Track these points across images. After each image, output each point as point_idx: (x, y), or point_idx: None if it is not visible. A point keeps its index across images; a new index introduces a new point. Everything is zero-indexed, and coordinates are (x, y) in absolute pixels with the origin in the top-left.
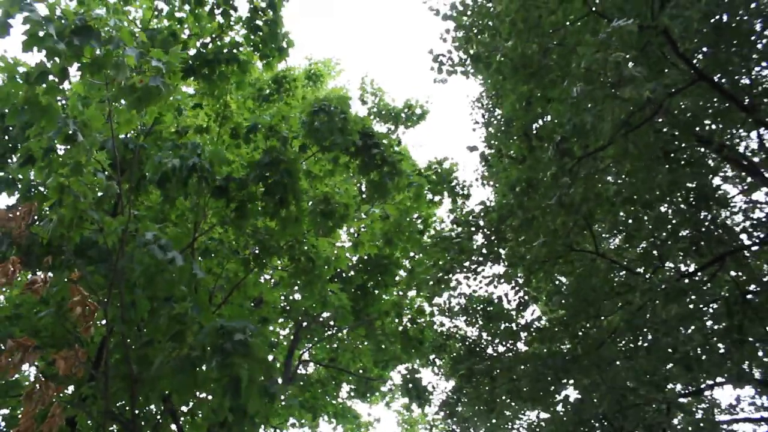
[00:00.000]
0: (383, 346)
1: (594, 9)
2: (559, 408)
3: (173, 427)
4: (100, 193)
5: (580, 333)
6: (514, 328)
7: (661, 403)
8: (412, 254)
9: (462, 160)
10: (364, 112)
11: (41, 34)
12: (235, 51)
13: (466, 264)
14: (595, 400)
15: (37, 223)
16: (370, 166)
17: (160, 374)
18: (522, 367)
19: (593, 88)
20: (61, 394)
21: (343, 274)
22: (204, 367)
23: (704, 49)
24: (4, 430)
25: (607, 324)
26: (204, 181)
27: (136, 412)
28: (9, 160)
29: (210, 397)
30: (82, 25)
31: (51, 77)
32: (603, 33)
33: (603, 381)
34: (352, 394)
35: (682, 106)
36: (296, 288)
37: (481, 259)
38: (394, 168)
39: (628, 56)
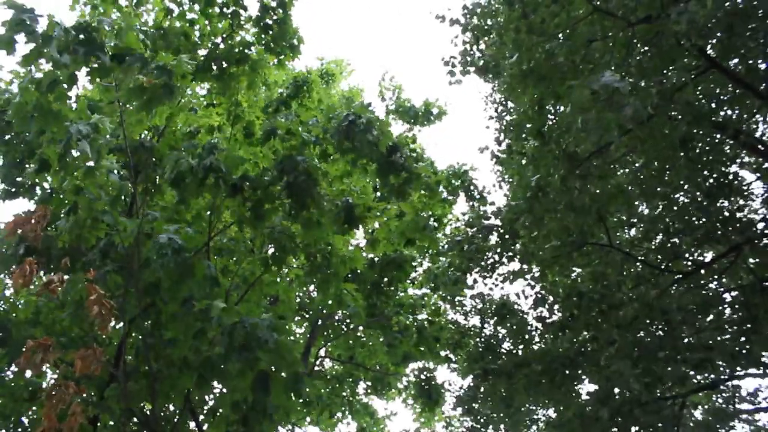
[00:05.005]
0: (396, 343)
1: (598, 6)
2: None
3: (192, 425)
4: (114, 195)
5: (593, 325)
6: (529, 325)
7: (675, 398)
8: (428, 252)
9: (478, 164)
10: (382, 109)
11: (45, 50)
12: (246, 51)
13: (482, 263)
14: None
15: (52, 226)
16: (390, 171)
17: (181, 372)
18: (538, 363)
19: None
20: (84, 394)
21: (358, 271)
22: (227, 364)
23: (718, 34)
24: (29, 430)
25: (623, 315)
26: (221, 181)
27: (157, 411)
28: (27, 166)
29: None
30: (86, 37)
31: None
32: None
33: (623, 372)
34: (369, 390)
35: (698, 94)
36: (312, 286)
37: (496, 257)
38: (413, 174)
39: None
